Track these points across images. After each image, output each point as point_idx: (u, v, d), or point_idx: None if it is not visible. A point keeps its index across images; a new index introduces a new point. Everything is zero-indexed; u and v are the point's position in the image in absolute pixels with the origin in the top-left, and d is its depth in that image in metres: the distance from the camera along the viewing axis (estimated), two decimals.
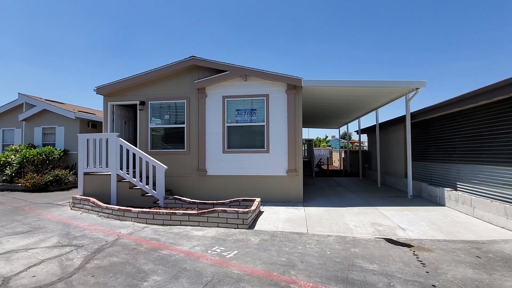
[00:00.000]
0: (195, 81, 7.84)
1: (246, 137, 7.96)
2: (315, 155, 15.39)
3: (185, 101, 8.16)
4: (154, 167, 7.04)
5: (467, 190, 6.47)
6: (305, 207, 6.87)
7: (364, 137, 15.50)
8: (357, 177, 13.89)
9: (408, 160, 7.88)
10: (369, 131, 13.80)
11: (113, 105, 8.66)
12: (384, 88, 7.55)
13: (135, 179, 7.11)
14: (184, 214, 5.54)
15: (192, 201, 6.76)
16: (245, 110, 7.90)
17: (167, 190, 8.01)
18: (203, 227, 5.37)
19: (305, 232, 4.97)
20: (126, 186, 7.20)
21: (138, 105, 8.25)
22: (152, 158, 7.12)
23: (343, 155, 19.47)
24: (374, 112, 11.39)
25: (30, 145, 12.76)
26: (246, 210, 5.31)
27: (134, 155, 7.20)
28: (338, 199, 7.90)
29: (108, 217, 6.30)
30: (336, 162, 23.07)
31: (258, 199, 6.46)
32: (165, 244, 4.43)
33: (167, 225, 5.60)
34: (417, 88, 7.40)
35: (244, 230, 5.15)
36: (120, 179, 7.25)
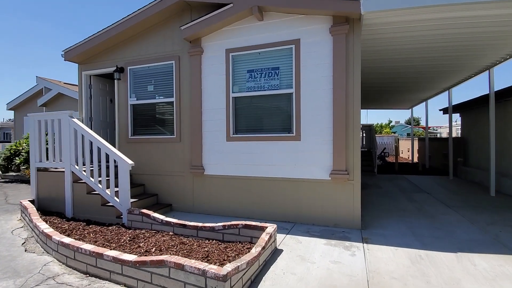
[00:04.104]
0: (182, 28, 4.99)
1: (263, 115, 4.88)
2: (377, 144, 11.48)
3: (173, 62, 5.41)
4: (116, 162, 4.53)
5: None
6: (366, 246, 3.57)
7: (443, 120, 10.80)
8: (444, 175, 9.60)
9: None
10: (467, 108, 9.29)
11: (90, 76, 6.42)
12: None
13: (92, 180, 4.71)
14: (115, 259, 2.84)
15: (167, 221, 4.06)
16: (261, 71, 4.79)
17: (151, 194, 5.51)
18: None
19: None
20: (83, 190, 4.87)
21: (114, 73, 5.81)
22: (114, 149, 4.61)
23: (416, 145, 14.82)
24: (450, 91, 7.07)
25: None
26: (223, 273, 2.32)
27: (92, 144, 4.78)
28: (429, 225, 4.33)
29: (37, 242, 4.04)
30: (405, 153, 18.26)
31: (271, 228, 3.42)
32: None
33: (92, 275, 3.00)
34: None
35: None
36: (76, 178, 4.95)
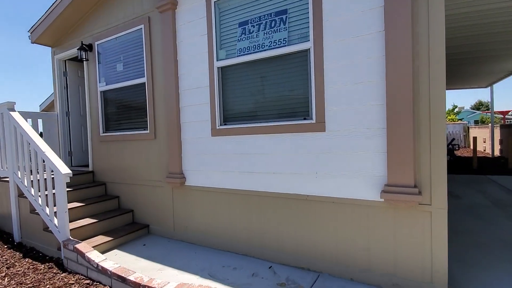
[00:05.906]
0: None
1: (263, 92, 3.03)
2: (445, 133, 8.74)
3: (142, 27, 3.85)
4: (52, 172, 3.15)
5: None
6: None
7: None
8: None
9: None
10: None
11: (64, 61, 5.23)
12: None
13: (32, 194, 3.42)
14: None
15: (103, 268, 2.53)
16: (259, 20, 2.95)
17: (127, 210, 4.09)
18: None
19: None
20: (27, 207, 3.61)
21: (79, 53, 4.47)
22: (50, 153, 3.23)
23: (497, 134, 11.40)
24: None
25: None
26: None
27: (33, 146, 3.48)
28: None
29: None
30: (480, 144, 14.58)
31: None
32: None
33: None
34: None
35: None
36: (21, 192, 3.72)
